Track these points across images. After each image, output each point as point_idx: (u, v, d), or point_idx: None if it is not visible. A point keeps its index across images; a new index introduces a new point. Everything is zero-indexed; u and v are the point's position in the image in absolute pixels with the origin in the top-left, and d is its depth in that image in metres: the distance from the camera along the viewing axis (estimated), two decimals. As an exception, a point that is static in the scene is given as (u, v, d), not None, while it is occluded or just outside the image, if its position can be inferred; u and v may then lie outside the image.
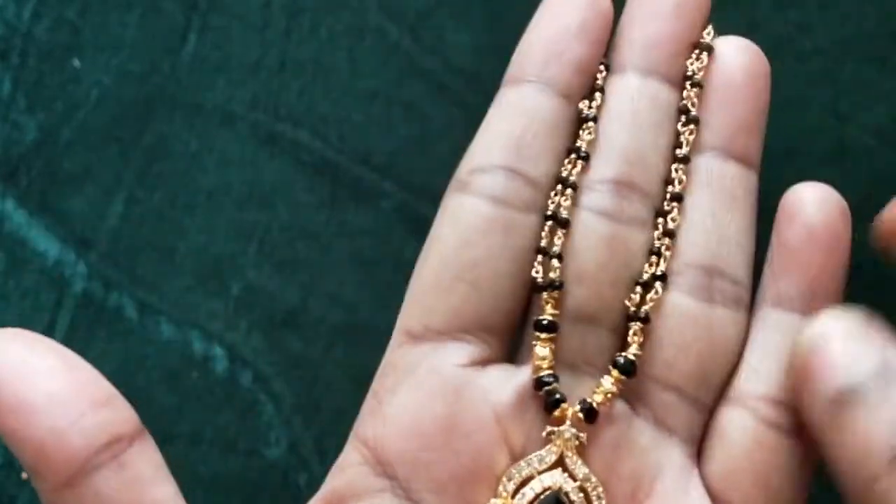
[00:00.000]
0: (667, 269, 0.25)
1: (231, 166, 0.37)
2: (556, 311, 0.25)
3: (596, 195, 0.26)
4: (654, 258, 0.26)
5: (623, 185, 0.26)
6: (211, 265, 0.36)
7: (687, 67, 0.27)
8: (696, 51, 0.27)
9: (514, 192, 0.26)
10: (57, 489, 0.21)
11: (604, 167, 0.26)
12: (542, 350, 0.25)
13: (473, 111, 0.39)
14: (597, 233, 0.25)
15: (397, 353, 0.26)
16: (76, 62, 0.37)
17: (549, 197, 0.26)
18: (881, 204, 0.28)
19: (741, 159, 0.26)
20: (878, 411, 0.21)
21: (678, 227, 0.26)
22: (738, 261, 0.26)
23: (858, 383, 0.21)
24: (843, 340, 0.22)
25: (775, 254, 0.26)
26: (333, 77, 0.38)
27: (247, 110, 0.37)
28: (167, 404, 0.34)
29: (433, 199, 0.37)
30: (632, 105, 0.26)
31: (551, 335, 0.25)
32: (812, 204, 0.26)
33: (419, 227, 0.37)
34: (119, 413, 0.22)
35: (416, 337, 0.26)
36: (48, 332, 0.35)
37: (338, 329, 0.36)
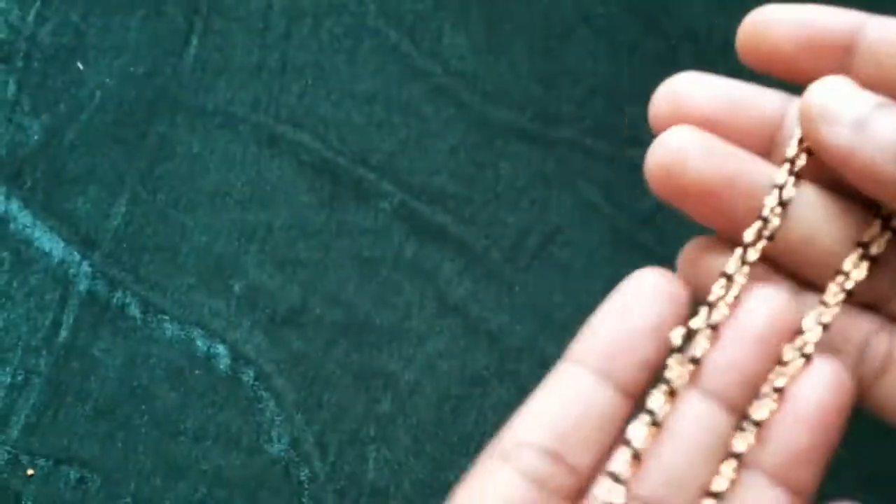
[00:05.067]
0: None
1: (232, 167, 0.37)
2: None
3: None
4: None
5: None
6: (213, 265, 0.36)
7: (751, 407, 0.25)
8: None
9: (552, 477, 0.24)
10: None
11: (642, 484, 0.25)
12: None
13: (471, 112, 0.39)
14: None
15: None
16: (80, 65, 0.38)
17: (587, 489, 0.24)
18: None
19: (791, 489, 0.25)
20: (892, 118, 0.23)
21: None
22: None
23: (870, 108, 0.24)
24: (847, 86, 0.24)
25: None
26: (333, 79, 0.38)
27: (248, 112, 0.38)
28: (170, 402, 0.35)
29: (432, 198, 0.38)
30: (688, 429, 0.25)
31: None
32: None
33: (418, 227, 0.37)
34: None
35: None
36: (53, 331, 0.35)
37: (338, 327, 0.36)
